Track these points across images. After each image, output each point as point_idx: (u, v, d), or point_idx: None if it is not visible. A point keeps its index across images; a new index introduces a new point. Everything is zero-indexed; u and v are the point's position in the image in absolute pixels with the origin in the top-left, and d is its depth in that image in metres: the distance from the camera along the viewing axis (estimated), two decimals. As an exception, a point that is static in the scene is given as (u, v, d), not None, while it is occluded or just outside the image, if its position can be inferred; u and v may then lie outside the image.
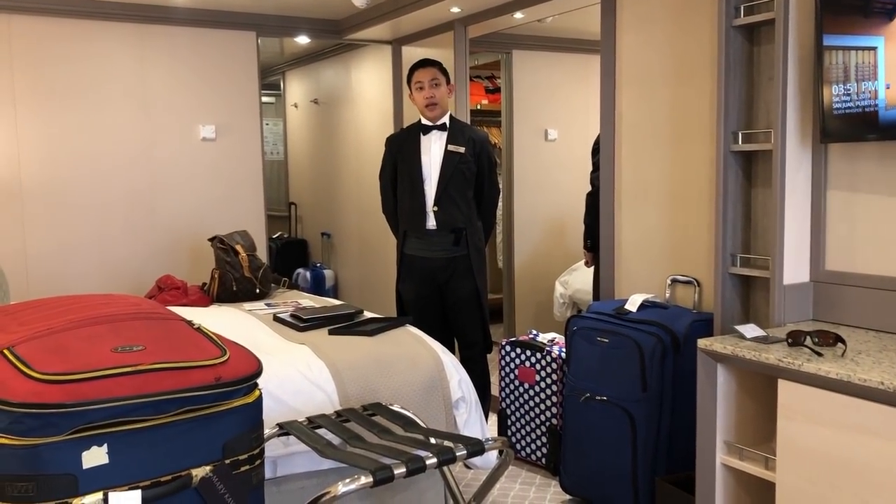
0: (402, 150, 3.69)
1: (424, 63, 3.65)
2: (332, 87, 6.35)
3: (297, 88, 7.05)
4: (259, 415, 1.67)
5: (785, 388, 2.10)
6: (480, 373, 3.63)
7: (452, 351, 3.70)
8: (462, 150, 3.55)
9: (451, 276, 3.59)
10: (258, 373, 1.66)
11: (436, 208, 3.55)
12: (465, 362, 3.69)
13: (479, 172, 3.60)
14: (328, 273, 6.42)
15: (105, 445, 1.44)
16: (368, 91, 5.66)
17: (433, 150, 3.60)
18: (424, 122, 3.63)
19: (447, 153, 3.56)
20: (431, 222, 3.57)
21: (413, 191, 3.61)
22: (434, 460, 1.96)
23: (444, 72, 3.64)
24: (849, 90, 2.28)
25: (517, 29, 4.40)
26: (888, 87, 2.19)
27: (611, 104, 3.28)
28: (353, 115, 5.93)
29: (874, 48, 2.21)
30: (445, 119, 3.62)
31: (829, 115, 2.34)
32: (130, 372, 1.48)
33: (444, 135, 3.59)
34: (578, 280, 4.63)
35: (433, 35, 4.62)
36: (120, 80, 4.45)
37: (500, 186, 3.77)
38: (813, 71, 2.41)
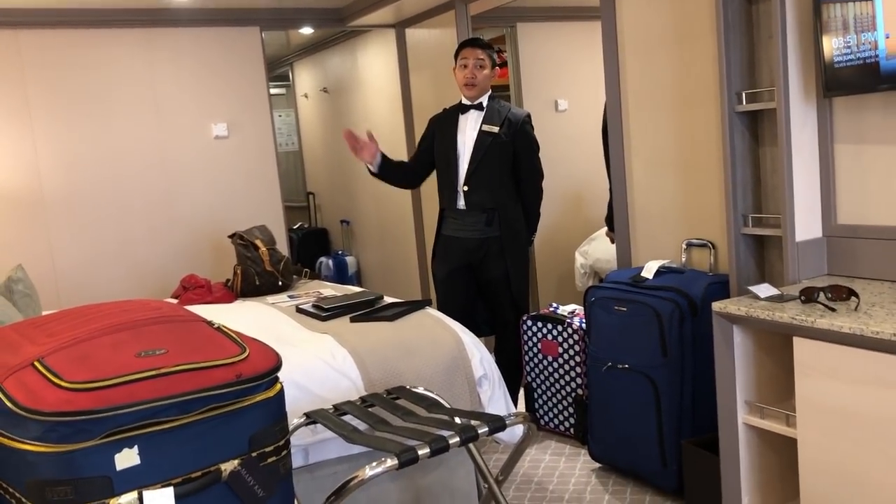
0: (441, 128, 3.70)
1: (472, 42, 3.65)
2: (339, 75, 6.36)
3: (306, 78, 7.08)
4: (282, 407, 1.72)
5: (800, 345, 2.11)
6: (511, 350, 3.67)
7: (491, 330, 3.75)
8: (496, 129, 3.54)
9: (483, 256, 3.59)
10: (278, 367, 1.70)
11: (466, 188, 3.56)
12: (499, 341, 3.74)
13: (515, 154, 3.57)
14: (350, 260, 6.48)
15: (136, 447, 1.49)
16: (376, 76, 5.67)
17: (468, 129, 3.60)
18: (464, 101, 3.63)
19: (481, 133, 3.55)
20: (462, 202, 3.59)
21: (447, 170, 3.63)
22: (457, 439, 2.01)
23: (492, 56, 3.62)
24: (849, 42, 2.26)
25: (520, 2, 4.37)
26: (888, 37, 2.17)
27: (615, 71, 3.27)
28: (363, 101, 5.95)
29: (872, -2, 2.19)
30: (483, 99, 3.60)
31: (831, 69, 2.32)
32: (154, 375, 1.53)
33: (481, 115, 3.58)
34: (598, 249, 4.63)
35: (435, 15, 4.62)
36: (131, 86, 4.51)
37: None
38: (812, 25, 2.39)
